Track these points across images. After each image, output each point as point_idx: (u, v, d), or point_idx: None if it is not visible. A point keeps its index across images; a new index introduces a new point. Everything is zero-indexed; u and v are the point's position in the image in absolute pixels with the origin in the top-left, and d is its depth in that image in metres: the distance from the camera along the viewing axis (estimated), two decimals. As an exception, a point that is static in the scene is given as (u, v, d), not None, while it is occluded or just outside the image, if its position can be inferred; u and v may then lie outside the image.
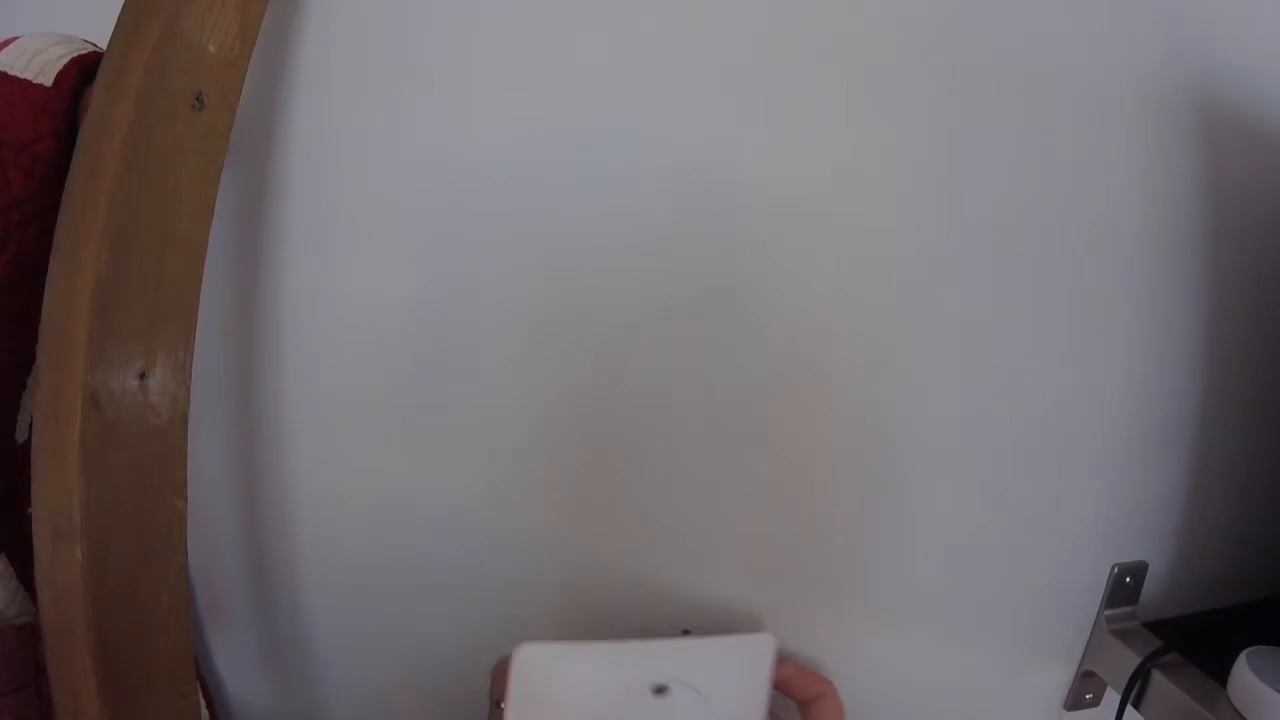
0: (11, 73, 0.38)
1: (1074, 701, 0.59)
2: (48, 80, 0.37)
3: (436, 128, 0.42)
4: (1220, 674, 0.50)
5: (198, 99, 0.36)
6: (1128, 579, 0.56)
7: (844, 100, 0.45)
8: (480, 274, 0.44)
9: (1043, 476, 0.53)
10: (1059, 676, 0.58)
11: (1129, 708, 0.53)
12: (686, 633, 0.50)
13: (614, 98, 0.43)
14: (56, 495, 0.34)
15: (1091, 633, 0.57)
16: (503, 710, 0.40)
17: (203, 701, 0.47)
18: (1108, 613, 0.56)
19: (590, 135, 0.43)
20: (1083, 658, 0.57)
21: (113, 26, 0.35)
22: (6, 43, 0.39)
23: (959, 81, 0.46)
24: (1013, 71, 0.46)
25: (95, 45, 0.40)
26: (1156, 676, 0.53)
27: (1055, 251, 0.49)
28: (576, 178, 0.43)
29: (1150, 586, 0.57)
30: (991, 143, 0.47)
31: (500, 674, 0.41)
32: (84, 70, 0.38)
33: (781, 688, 0.47)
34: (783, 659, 0.47)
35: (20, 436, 0.38)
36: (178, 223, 0.36)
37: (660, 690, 0.43)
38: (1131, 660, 0.55)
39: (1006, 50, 0.46)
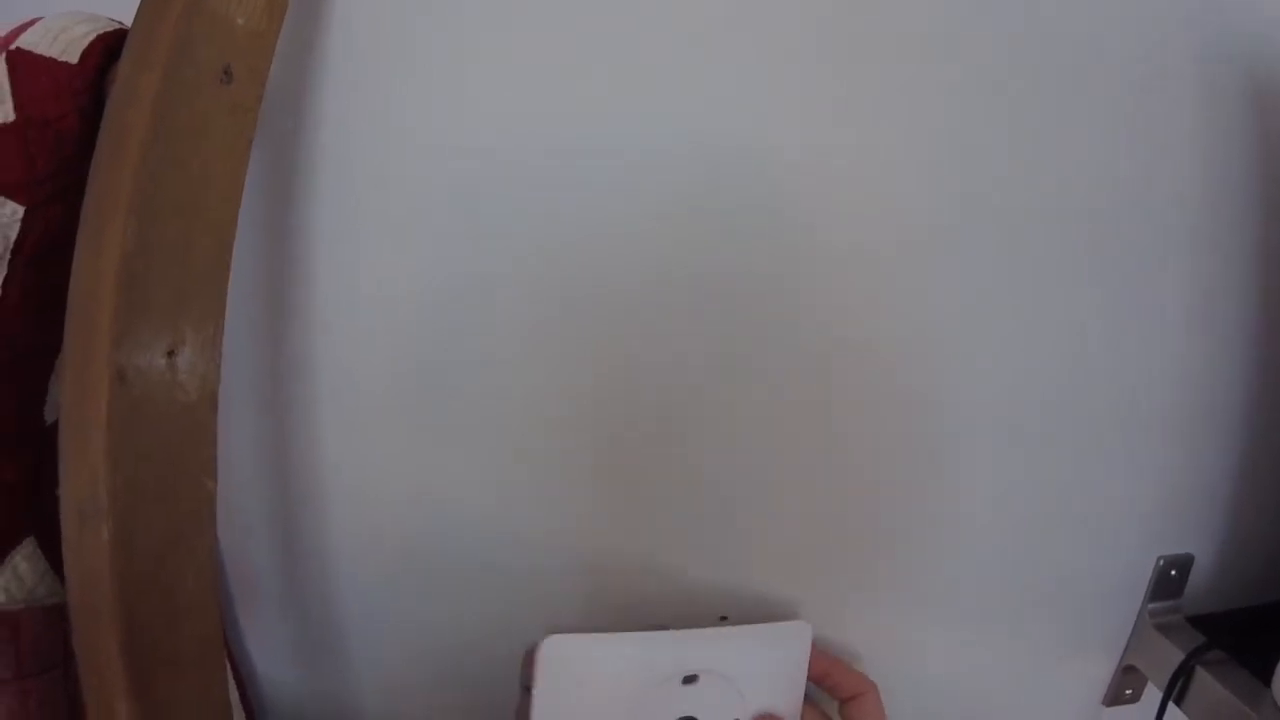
0: (36, 51, 0.37)
1: (1113, 697, 0.56)
2: (73, 58, 0.37)
3: (466, 106, 0.41)
4: (1265, 672, 0.48)
5: (225, 72, 0.35)
6: (1172, 572, 0.54)
7: (885, 72, 0.42)
8: (510, 256, 0.42)
9: (1088, 465, 0.51)
10: (1099, 671, 0.56)
11: (1169, 704, 0.51)
12: (724, 619, 0.48)
13: (646, 76, 0.41)
14: (83, 476, 0.33)
15: (1134, 626, 0.54)
16: (531, 696, 0.39)
17: (233, 683, 0.47)
18: (1151, 606, 0.54)
19: (619, 117, 0.41)
20: (1124, 652, 0.55)
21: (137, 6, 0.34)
22: (31, 22, 0.38)
23: (1011, 56, 0.43)
24: (1065, 45, 0.44)
25: (121, 23, 0.39)
26: (1199, 673, 0.51)
27: (1103, 234, 0.47)
28: (608, 160, 0.42)
29: (1194, 580, 0.55)
30: (1038, 118, 0.44)
31: (531, 660, 0.40)
32: (109, 48, 0.37)
33: (821, 682, 0.45)
34: (825, 654, 0.46)
35: (50, 418, 0.37)
36: (206, 198, 0.34)
37: (690, 679, 0.42)
38: (1174, 656, 0.52)
39: (1061, 21, 0.43)
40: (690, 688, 0.42)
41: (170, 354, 0.34)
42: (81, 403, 0.32)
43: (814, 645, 0.45)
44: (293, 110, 0.40)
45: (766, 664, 0.44)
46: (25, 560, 0.37)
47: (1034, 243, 0.46)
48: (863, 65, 0.42)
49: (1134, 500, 0.52)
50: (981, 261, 0.46)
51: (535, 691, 0.39)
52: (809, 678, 0.45)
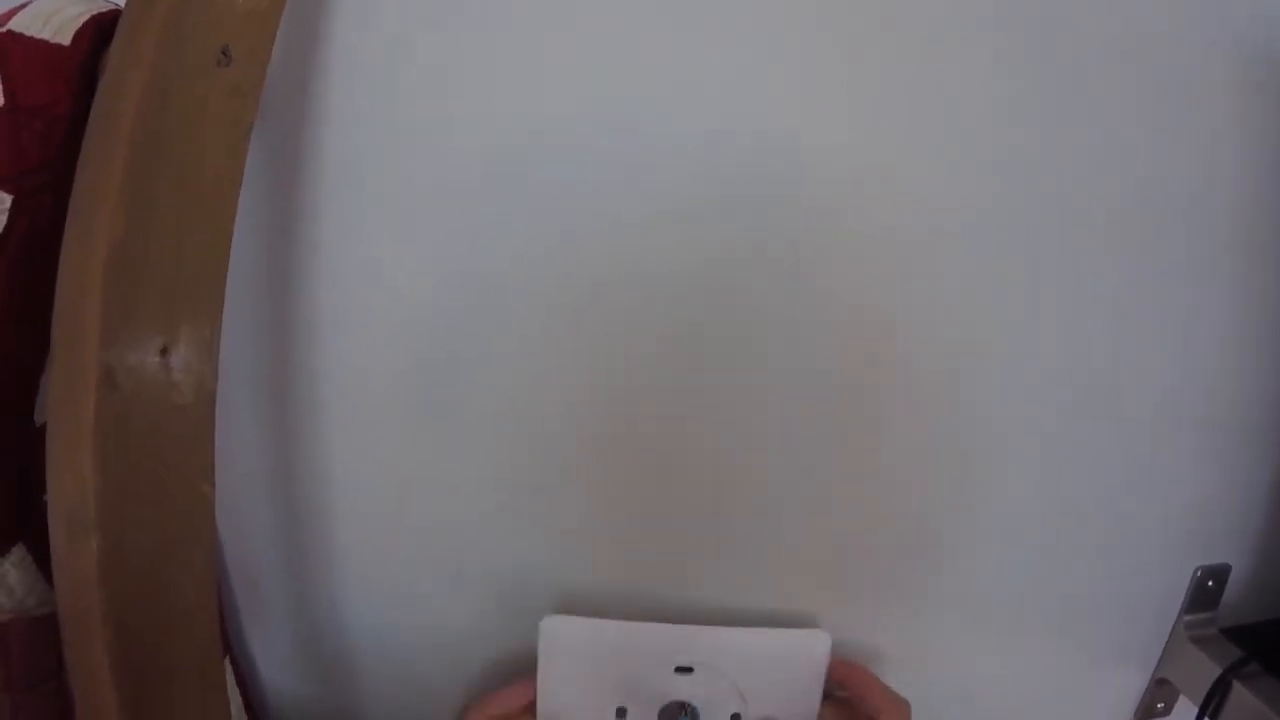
0: (28, 34, 0.34)
1: (1145, 710, 0.53)
2: (65, 40, 0.34)
3: (477, 95, 0.38)
4: (1301, 687, 0.45)
5: (223, 53, 0.31)
6: (1209, 583, 0.50)
7: (919, 66, 0.39)
8: (520, 253, 0.39)
9: (1126, 474, 0.47)
10: (1130, 683, 0.52)
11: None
12: None
13: (658, 68, 0.38)
14: (70, 481, 0.30)
15: (1169, 638, 0.51)
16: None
17: (237, 689, 0.44)
18: (1187, 618, 0.50)
19: (633, 109, 0.38)
20: (1158, 664, 0.51)
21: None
22: (22, 6, 0.35)
23: (1046, 51, 0.39)
24: (1101, 39, 0.40)
25: (117, 3, 0.36)
26: (1236, 688, 0.47)
27: (1149, 238, 0.43)
28: (626, 154, 0.39)
29: (1229, 591, 0.51)
30: (1081, 116, 0.41)
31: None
32: (103, 30, 0.34)
33: (854, 700, 0.42)
34: (859, 669, 0.43)
35: (40, 419, 0.34)
36: (202, 187, 0.31)
37: (684, 670, 0.42)
38: (1209, 669, 0.49)
39: (1094, 15, 0.39)
40: (684, 677, 0.42)
41: (163, 353, 0.31)
42: (68, 405, 0.29)
43: (850, 660, 0.43)
44: (296, 96, 0.37)
45: (775, 669, 0.43)
46: (15, 569, 0.34)
47: (1074, 245, 0.43)
48: (898, 55, 0.39)
49: (1172, 510, 0.49)
50: (1019, 264, 0.43)
51: (539, 667, 0.41)
52: (844, 689, 0.43)
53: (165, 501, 0.32)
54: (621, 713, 0.43)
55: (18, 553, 0.34)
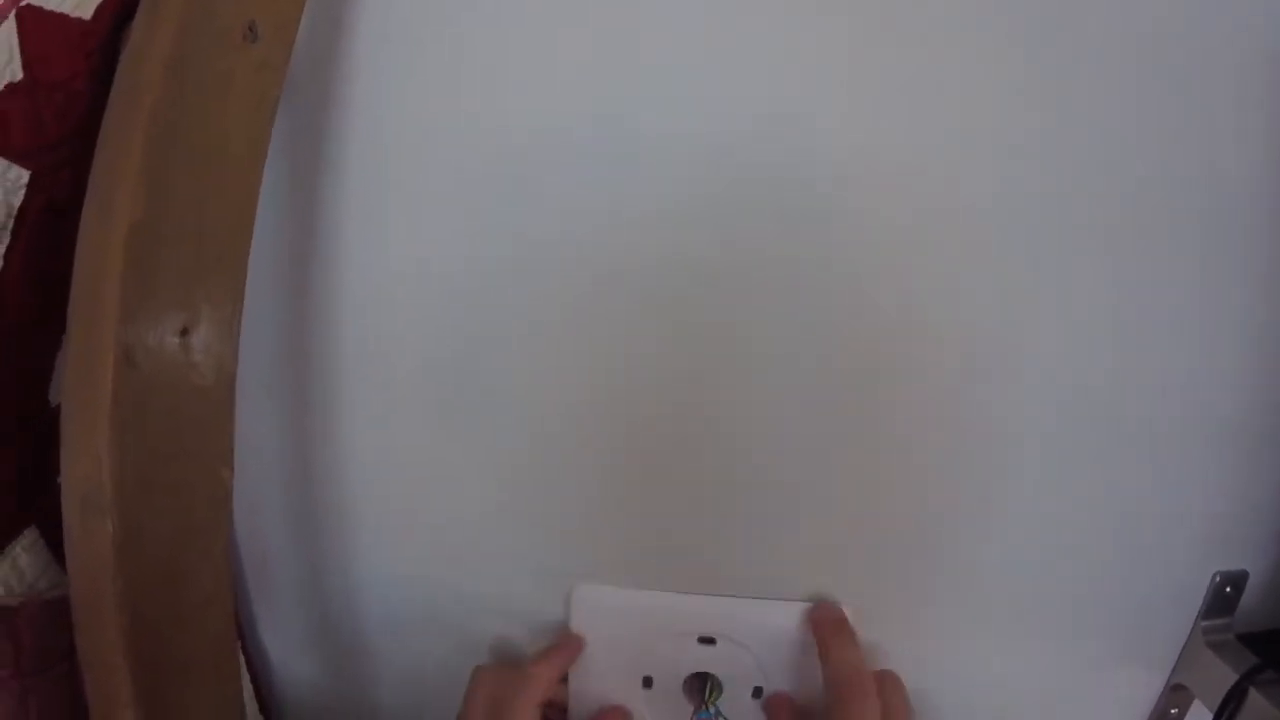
0: (47, 7, 0.33)
1: (1159, 716, 0.52)
2: (86, 13, 0.33)
3: (503, 77, 0.37)
4: (1318, 696, 0.44)
5: (250, 29, 0.31)
6: (1228, 589, 0.49)
7: (927, 62, 0.38)
8: (544, 238, 0.38)
9: (1146, 475, 0.46)
10: (1144, 688, 0.51)
11: (1217, 725, 0.47)
12: None
13: (675, 57, 0.37)
14: (86, 463, 0.29)
15: (1185, 643, 0.50)
16: None
17: (247, 675, 0.43)
18: (1204, 624, 0.49)
19: (652, 100, 0.37)
20: (1174, 669, 0.50)
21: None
22: (47, -24, 0.34)
23: (1060, 46, 0.38)
24: (1118, 34, 0.38)
25: (140, -23, 0.35)
26: (1252, 695, 0.46)
27: (1170, 236, 0.42)
28: (641, 146, 0.38)
29: (1245, 597, 0.50)
30: (1100, 114, 0.39)
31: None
32: (125, 4, 0.33)
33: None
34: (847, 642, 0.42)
35: (55, 399, 0.34)
36: (226, 165, 0.30)
37: (707, 640, 0.43)
38: (1226, 675, 0.48)
39: (1109, 9, 0.38)
40: (707, 648, 0.43)
41: (184, 333, 0.30)
42: (85, 385, 0.29)
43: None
44: (322, 73, 0.36)
45: (790, 642, 0.43)
46: (26, 551, 0.33)
47: (1093, 243, 0.41)
48: (906, 52, 0.38)
49: (1191, 513, 0.47)
50: (1035, 262, 0.41)
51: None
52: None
53: (183, 486, 0.31)
54: (648, 682, 0.43)
55: (29, 535, 0.33)
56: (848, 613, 0.43)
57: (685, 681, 0.44)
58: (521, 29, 0.36)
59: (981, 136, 0.39)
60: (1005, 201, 0.40)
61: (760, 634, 0.43)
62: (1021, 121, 0.39)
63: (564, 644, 0.42)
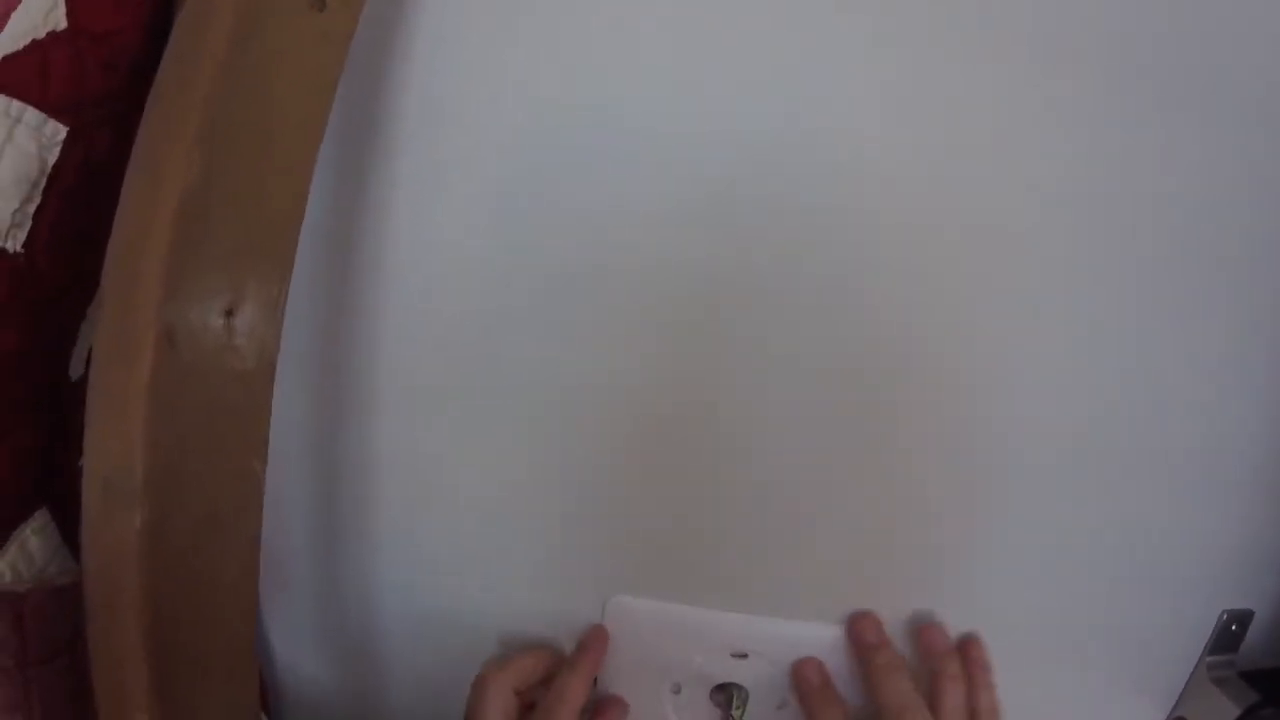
0: (97, -50, 0.30)
1: (1157, 748, 0.52)
2: (139, -40, 0.30)
3: (565, 64, 0.35)
4: (1318, 735, 0.44)
5: (317, -5, 0.28)
6: (1234, 626, 0.49)
7: (954, 68, 0.37)
8: (603, 237, 0.37)
9: (1161, 508, 0.46)
10: (1146, 718, 0.51)
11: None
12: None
13: (701, 56, 0.36)
14: (114, 447, 0.26)
15: (1190, 678, 0.50)
16: None
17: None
18: (1209, 659, 0.49)
19: (675, 98, 0.36)
20: (1177, 702, 0.51)
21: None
22: (94, -81, 0.32)
23: (1078, 54, 0.37)
24: (1138, 42, 0.38)
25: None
26: (1250, 730, 0.47)
27: (1178, 269, 0.41)
28: (663, 145, 0.36)
29: (1250, 635, 0.50)
30: (1122, 121, 0.38)
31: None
32: (181, -47, 0.31)
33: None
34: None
35: (75, 373, 0.31)
36: (284, 136, 0.28)
37: (739, 655, 0.43)
38: (1228, 711, 0.48)
39: (1122, 18, 0.37)
40: (739, 662, 0.43)
41: (229, 313, 0.27)
42: (121, 363, 0.26)
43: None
44: (382, 48, 0.33)
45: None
46: (36, 535, 0.30)
47: (1116, 268, 0.41)
48: (919, 52, 0.37)
49: (1204, 550, 0.47)
50: (1053, 278, 0.40)
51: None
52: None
53: (212, 476, 0.29)
54: (676, 689, 0.43)
55: (40, 518, 0.30)
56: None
57: (712, 691, 0.44)
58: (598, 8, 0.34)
59: (990, 142, 0.38)
60: (1023, 222, 0.39)
61: (790, 652, 0.43)
62: (1031, 128, 0.38)
63: (593, 646, 0.41)
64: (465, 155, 0.36)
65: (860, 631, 0.42)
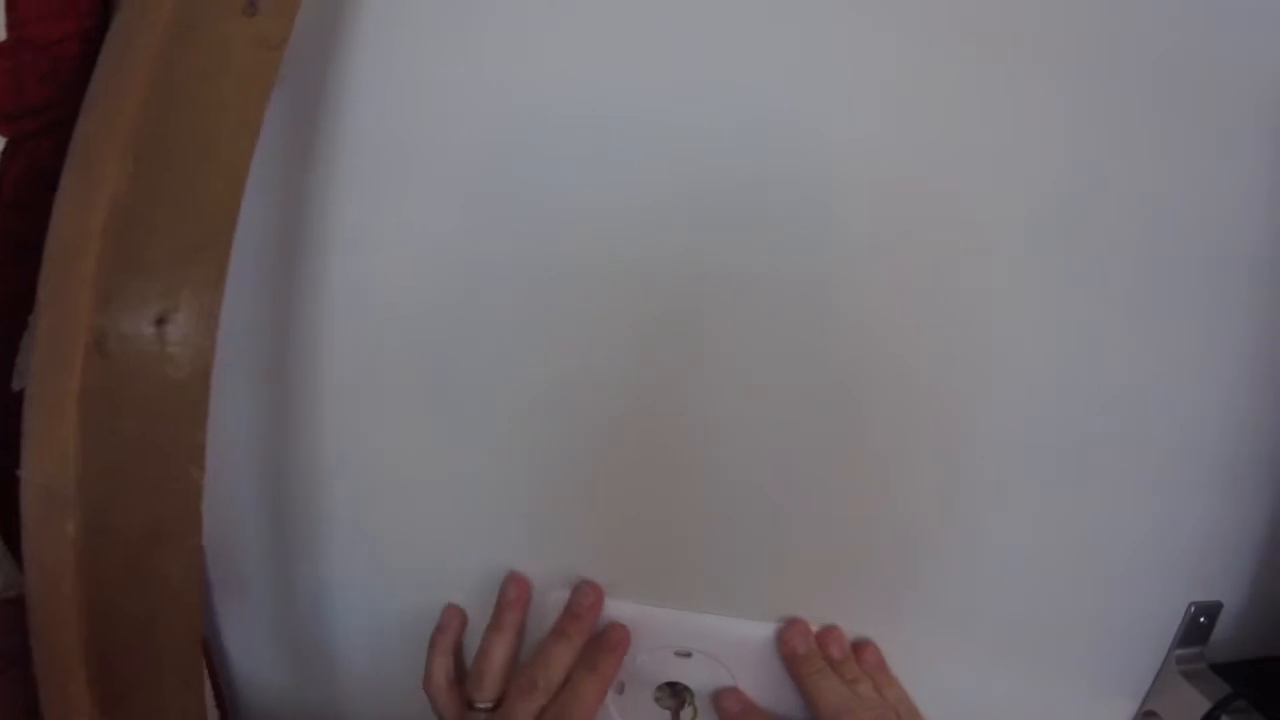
0: (38, -36, 0.30)
1: (1130, 742, 0.51)
2: (79, -27, 0.30)
3: (512, 62, 0.35)
4: (1287, 726, 0.44)
5: (250, 2, 0.28)
6: (1202, 619, 0.49)
7: (944, 69, 0.36)
8: (542, 229, 0.36)
9: (1129, 503, 0.45)
10: (1116, 715, 0.51)
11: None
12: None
13: (689, 52, 0.35)
14: (50, 456, 0.26)
15: (1159, 672, 0.49)
16: None
17: (208, 681, 0.40)
18: (1178, 652, 0.49)
19: (659, 96, 0.36)
20: (1146, 697, 0.50)
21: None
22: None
23: (1071, 57, 0.37)
24: (1134, 44, 0.37)
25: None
26: (1221, 723, 0.46)
27: (1171, 266, 0.41)
28: (639, 143, 0.36)
29: (1220, 627, 0.50)
30: (1107, 123, 0.38)
31: None
32: (121, -35, 0.31)
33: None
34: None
35: (18, 385, 0.31)
36: (217, 143, 0.28)
37: (683, 654, 0.42)
38: (1198, 704, 0.47)
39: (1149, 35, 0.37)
40: (683, 660, 0.42)
41: (160, 322, 0.27)
42: (53, 371, 0.26)
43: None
44: (320, 54, 0.33)
45: (769, 661, 0.42)
46: (-19, 547, 0.30)
47: (1090, 269, 0.41)
48: (908, 53, 0.36)
49: (1171, 543, 0.47)
50: (1031, 282, 0.40)
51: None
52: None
53: (152, 483, 0.28)
54: (619, 688, 0.43)
55: (-15, 529, 0.30)
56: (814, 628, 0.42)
57: (657, 690, 0.43)
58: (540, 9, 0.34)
59: (976, 144, 0.38)
60: (1006, 229, 0.39)
61: (736, 650, 0.42)
62: (1016, 130, 0.38)
63: (512, 602, 0.40)
64: (425, 150, 0.36)
65: (789, 639, 0.41)
